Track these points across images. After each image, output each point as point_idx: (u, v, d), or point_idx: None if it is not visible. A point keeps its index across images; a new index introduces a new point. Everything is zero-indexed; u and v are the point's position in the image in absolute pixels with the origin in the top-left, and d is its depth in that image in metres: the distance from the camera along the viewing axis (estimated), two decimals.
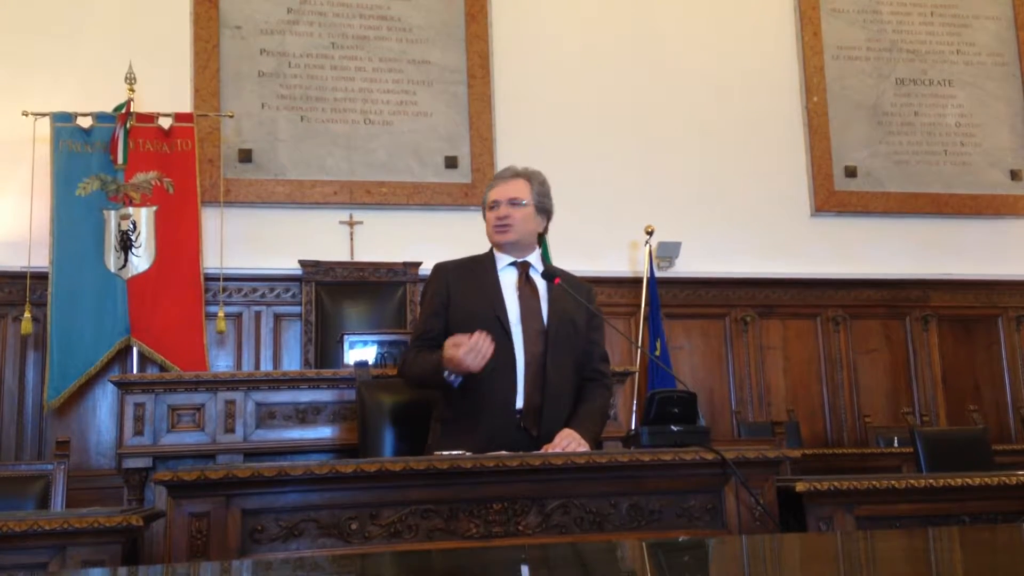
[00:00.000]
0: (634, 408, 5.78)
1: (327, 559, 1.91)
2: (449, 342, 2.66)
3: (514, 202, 2.86)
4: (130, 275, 5.35)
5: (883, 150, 6.88)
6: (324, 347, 5.51)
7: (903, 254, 6.74)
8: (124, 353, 5.38)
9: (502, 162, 5.97)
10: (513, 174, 2.93)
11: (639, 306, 6.15)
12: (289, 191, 5.94)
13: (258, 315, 5.82)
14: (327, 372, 3.81)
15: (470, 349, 2.59)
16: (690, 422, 2.49)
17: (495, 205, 2.87)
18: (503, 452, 2.48)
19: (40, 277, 5.31)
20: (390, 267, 5.77)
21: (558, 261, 5.45)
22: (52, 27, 5.79)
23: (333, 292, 5.68)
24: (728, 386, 6.41)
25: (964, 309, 6.80)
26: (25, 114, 5.35)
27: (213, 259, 5.63)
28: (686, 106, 6.60)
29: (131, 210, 5.40)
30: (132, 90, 5.49)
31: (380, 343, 4.29)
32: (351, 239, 5.95)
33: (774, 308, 6.55)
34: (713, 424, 6.02)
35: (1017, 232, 6.98)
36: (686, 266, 6.41)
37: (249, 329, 5.79)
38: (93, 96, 5.52)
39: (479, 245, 2.99)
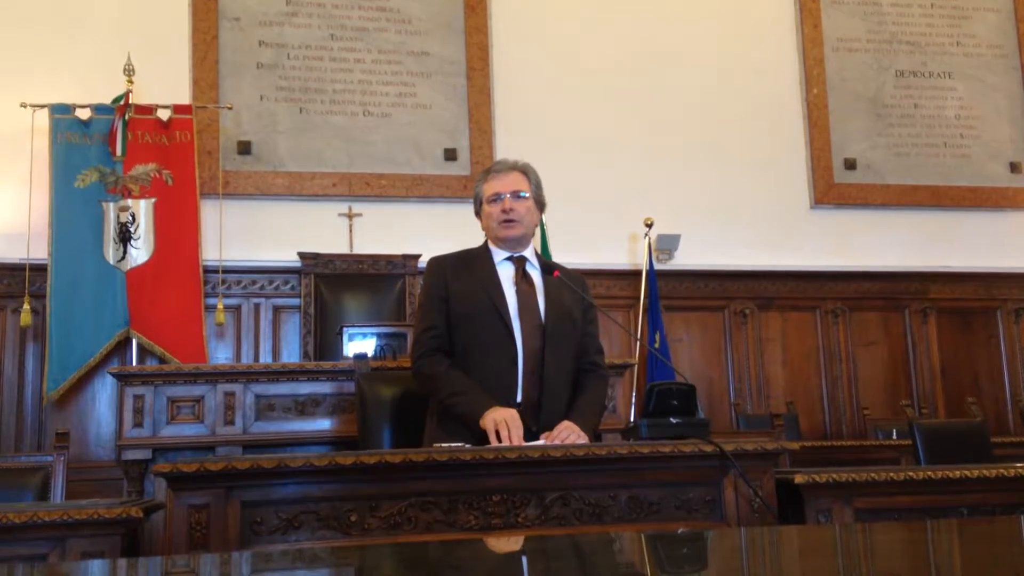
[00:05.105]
0: (633, 400, 5.78)
1: (326, 551, 1.91)
2: (494, 418, 2.58)
3: (516, 195, 2.84)
4: (129, 267, 5.35)
5: (883, 142, 6.88)
6: (323, 339, 5.51)
7: (902, 246, 6.74)
8: (123, 345, 5.39)
9: (501, 154, 5.97)
10: (510, 167, 2.89)
11: (638, 299, 6.15)
12: (288, 183, 5.94)
13: (257, 307, 5.82)
14: (326, 364, 3.82)
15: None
16: (689, 414, 2.49)
17: (497, 198, 2.84)
18: (502, 444, 2.49)
19: (39, 269, 5.31)
20: (389, 259, 5.77)
21: (557, 253, 5.48)
22: (51, 19, 5.77)
23: (332, 284, 5.68)
24: (727, 378, 6.41)
25: (963, 301, 6.81)
26: (23, 106, 5.34)
27: (212, 251, 5.63)
28: (686, 98, 6.59)
29: (130, 202, 5.40)
30: (131, 82, 5.48)
31: (379, 335, 4.29)
32: (350, 231, 5.95)
33: (773, 300, 6.55)
34: (712, 416, 6.02)
35: (1016, 224, 6.98)
36: (685, 258, 6.41)
37: (248, 321, 5.79)
38: (92, 88, 5.51)
39: (478, 237, 2.98)
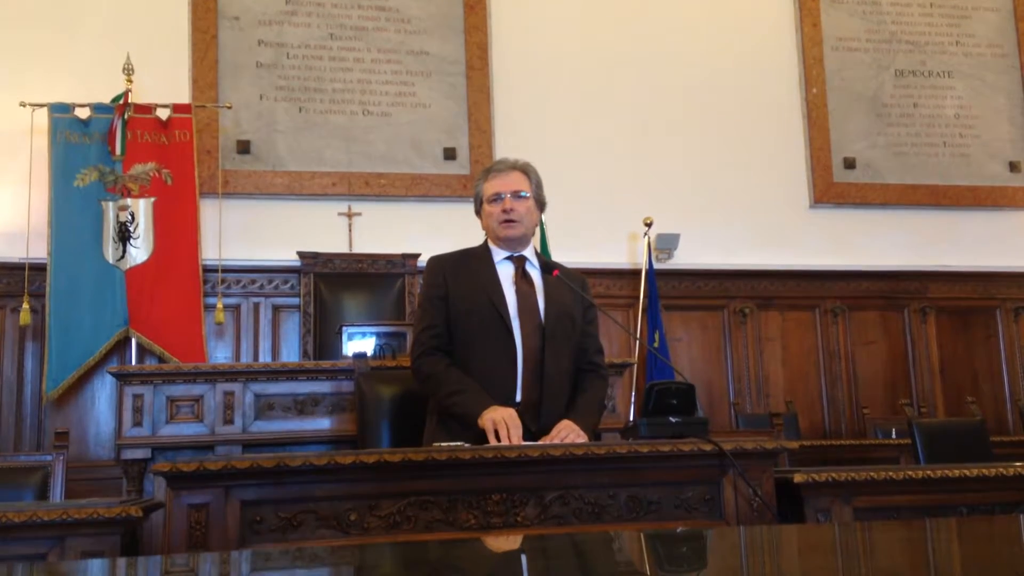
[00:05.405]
0: (633, 400, 5.79)
1: (326, 550, 1.91)
2: (492, 418, 2.58)
3: (517, 194, 2.84)
4: (128, 266, 5.35)
5: (882, 142, 6.88)
6: (323, 338, 5.51)
7: (901, 246, 6.75)
8: (123, 344, 5.39)
9: (501, 154, 5.97)
10: (510, 166, 2.89)
11: (638, 298, 6.15)
12: (287, 182, 5.94)
13: (256, 306, 5.82)
14: (326, 363, 3.82)
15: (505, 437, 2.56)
16: (688, 413, 2.49)
17: (497, 198, 2.84)
18: (501, 443, 2.49)
19: (38, 268, 5.31)
20: (389, 259, 5.77)
21: (557, 252, 5.48)
22: (50, 18, 5.77)
23: (332, 283, 5.68)
24: (726, 378, 6.41)
25: (962, 301, 6.81)
26: (23, 105, 5.34)
27: (211, 250, 5.62)
28: (685, 97, 6.59)
29: (129, 201, 5.40)
30: (130, 81, 5.48)
31: (379, 334, 4.29)
32: (350, 230, 5.95)
33: (773, 300, 6.55)
34: (711, 415, 6.03)
35: (1015, 224, 6.98)
36: (685, 258, 6.41)
37: (248, 320, 5.79)
38: (91, 87, 5.51)
39: (477, 236, 2.98)
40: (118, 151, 5.39)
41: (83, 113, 5.43)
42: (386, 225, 5.99)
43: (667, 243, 6.29)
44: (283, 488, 2.10)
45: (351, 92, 6.12)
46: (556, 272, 2.84)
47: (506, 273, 2.85)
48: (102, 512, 2.07)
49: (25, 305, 5.28)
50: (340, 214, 5.96)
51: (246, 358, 5.70)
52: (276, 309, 5.83)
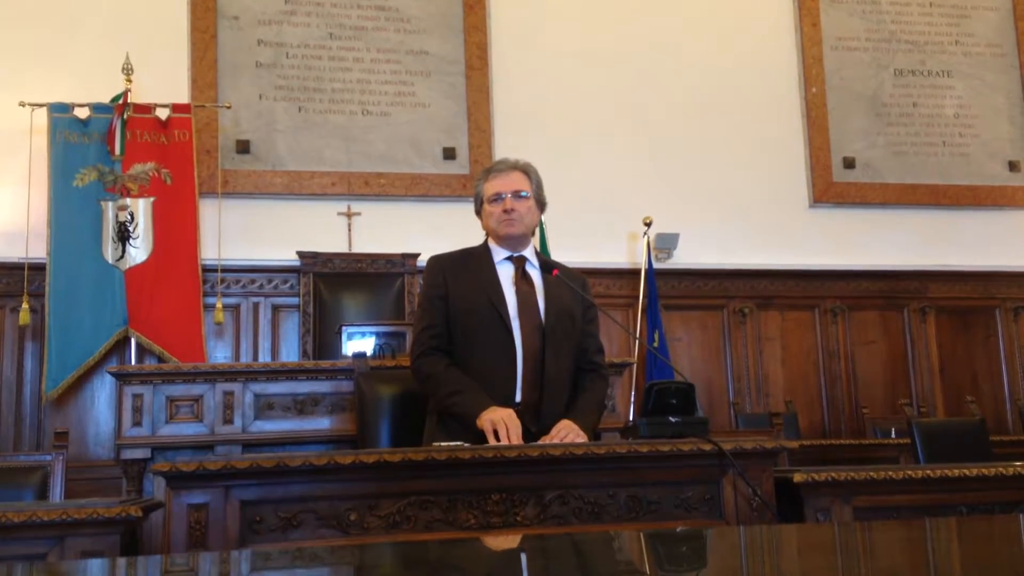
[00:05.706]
0: (632, 399, 5.79)
1: (326, 550, 1.91)
2: (491, 418, 2.59)
3: (517, 194, 2.85)
4: (128, 266, 5.35)
5: (881, 141, 6.88)
6: (322, 338, 5.51)
7: (901, 245, 6.75)
8: (122, 344, 5.39)
9: (500, 153, 5.97)
10: (511, 166, 2.89)
11: (637, 298, 6.15)
12: (287, 182, 5.93)
13: (256, 306, 5.82)
14: (325, 363, 3.82)
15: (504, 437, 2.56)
16: (688, 413, 2.49)
17: (498, 197, 2.84)
18: (501, 443, 2.49)
19: (38, 268, 5.30)
20: (388, 258, 5.77)
21: (556, 252, 5.47)
22: (50, 18, 5.77)
23: (331, 283, 5.68)
24: (726, 377, 6.41)
25: (962, 300, 6.81)
26: (22, 105, 5.34)
27: (211, 250, 5.62)
28: (685, 97, 6.59)
29: (129, 201, 5.40)
30: (129, 80, 5.48)
31: (378, 334, 4.29)
32: (349, 230, 5.95)
33: (772, 299, 6.55)
34: (711, 415, 6.02)
35: (1015, 223, 6.98)
36: (684, 257, 6.41)
37: (247, 320, 5.79)
38: (90, 87, 5.51)
39: (477, 236, 2.98)
40: (117, 151, 5.39)
41: (82, 113, 5.43)
42: (386, 225, 5.98)
43: (666, 243, 6.29)
44: (283, 488, 2.10)
45: (351, 92, 6.12)
46: (556, 272, 2.84)
47: (506, 273, 2.85)
48: (102, 512, 2.07)
49: (24, 305, 5.28)
50: (340, 214, 5.96)
51: (246, 358, 5.70)
52: (276, 309, 5.83)
